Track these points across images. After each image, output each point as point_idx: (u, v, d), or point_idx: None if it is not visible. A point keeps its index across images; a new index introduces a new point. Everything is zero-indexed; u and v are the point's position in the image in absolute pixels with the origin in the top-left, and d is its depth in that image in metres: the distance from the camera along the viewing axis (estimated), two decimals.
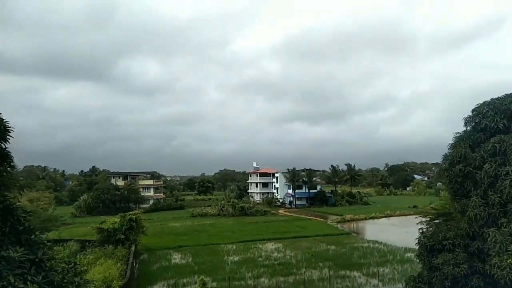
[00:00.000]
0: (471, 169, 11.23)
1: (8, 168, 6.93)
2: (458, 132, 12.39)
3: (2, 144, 6.90)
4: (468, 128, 12.15)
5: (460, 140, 12.08)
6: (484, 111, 11.60)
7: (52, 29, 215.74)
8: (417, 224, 13.72)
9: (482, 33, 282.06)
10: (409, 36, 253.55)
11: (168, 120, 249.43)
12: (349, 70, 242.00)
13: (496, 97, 11.74)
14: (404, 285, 13.64)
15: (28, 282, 5.45)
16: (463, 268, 10.77)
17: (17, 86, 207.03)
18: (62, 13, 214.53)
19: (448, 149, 12.38)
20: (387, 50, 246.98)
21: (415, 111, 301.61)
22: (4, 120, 6.88)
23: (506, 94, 11.64)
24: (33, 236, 6.37)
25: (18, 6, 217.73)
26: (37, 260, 5.97)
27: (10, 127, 6.95)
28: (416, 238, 13.03)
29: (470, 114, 12.07)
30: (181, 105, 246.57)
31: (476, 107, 11.93)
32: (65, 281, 6.20)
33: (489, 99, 11.88)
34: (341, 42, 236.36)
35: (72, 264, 7.05)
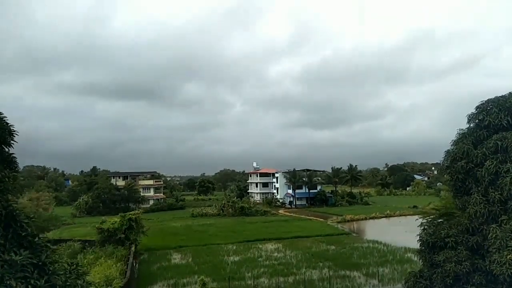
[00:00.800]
0: (472, 165, 11.22)
1: (13, 173, 6.94)
2: (461, 129, 12.34)
3: (7, 149, 6.92)
4: (472, 125, 12.09)
5: (463, 137, 12.05)
6: (488, 108, 11.56)
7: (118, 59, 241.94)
8: (417, 226, 13.68)
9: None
10: (413, 64, 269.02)
11: (190, 126, 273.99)
12: (357, 92, 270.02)
13: (501, 95, 11.74)
14: (404, 282, 13.65)
15: (30, 286, 5.47)
16: (465, 266, 10.76)
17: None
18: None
19: (451, 145, 12.37)
20: (389, 79, 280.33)
21: (416, 114, 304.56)
22: (9, 124, 6.89)
23: (510, 92, 11.64)
24: (36, 239, 6.37)
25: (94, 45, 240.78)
26: (40, 263, 5.96)
27: (14, 131, 6.94)
28: (418, 235, 13.04)
29: (474, 111, 12.06)
30: (206, 115, 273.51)
31: (480, 104, 11.86)
32: (67, 283, 6.20)
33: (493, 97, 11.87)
34: (350, 70, 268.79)
35: (74, 265, 7.05)
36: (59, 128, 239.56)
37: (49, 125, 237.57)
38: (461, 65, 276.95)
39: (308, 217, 68.59)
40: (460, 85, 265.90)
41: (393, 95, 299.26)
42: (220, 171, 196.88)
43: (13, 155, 7.04)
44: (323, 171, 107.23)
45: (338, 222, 61.14)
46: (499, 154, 10.69)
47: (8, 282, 5.28)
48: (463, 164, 11.35)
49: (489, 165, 10.60)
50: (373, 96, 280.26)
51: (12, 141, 6.95)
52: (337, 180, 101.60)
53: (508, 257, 9.29)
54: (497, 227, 10.13)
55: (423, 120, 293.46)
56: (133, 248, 34.23)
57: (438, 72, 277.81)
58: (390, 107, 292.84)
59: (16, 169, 7.13)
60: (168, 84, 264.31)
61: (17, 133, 6.94)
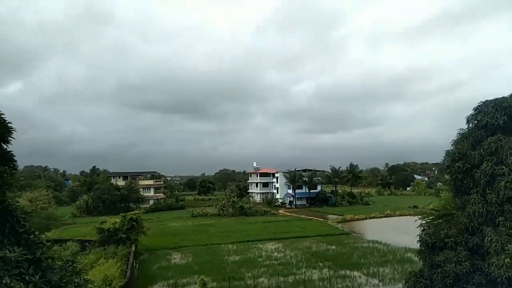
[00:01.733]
0: (470, 166, 11.36)
1: (11, 170, 6.93)
2: (462, 129, 12.46)
3: (4, 145, 6.91)
4: (471, 125, 12.20)
5: (462, 137, 12.19)
6: (486, 109, 11.65)
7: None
8: (416, 227, 13.67)
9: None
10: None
11: (211, 132, 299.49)
12: (364, 108, 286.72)
13: (501, 97, 11.79)
14: (404, 281, 13.63)
15: (25, 282, 5.43)
16: (465, 266, 10.79)
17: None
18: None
19: (451, 145, 12.50)
20: (391, 98, 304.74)
21: (416, 114, 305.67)
22: (7, 121, 6.88)
23: (511, 94, 11.70)
24: (31, 236, 6.35)
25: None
26: (35, 259, 5.94)
27: (12, 128, 6.94)
28: (418, 236, 13.04)
29: (473, 111, 12.11)
30: (228, 123, 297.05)
31: (478, 105, 11.97)
32: (64, 280, 6.17)
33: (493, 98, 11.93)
34: (358, 91, 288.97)
35: (70, 263, 7.02)
36: (89, 133, 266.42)
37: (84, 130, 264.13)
38: (448, 90, 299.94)
39: (308, 217, 68.58)
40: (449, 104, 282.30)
41: (395, 107, 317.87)
42: (220, 171, 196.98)
43: (11, 151, 7.03)
44: (323, 171, 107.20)
45: (338, 222, 61.11)
46: (494, 156, 10.81)
47: (2, 279, 5.25)
48: (460, 164, 11.49)
49: (485, 167, 10.76)
50: (376, 108, 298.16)
51: (10, 138, 6.95)
52: (337, 180, 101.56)
53: (505, 261, 9.36)
54: (492, 230, 10.24)
55: (422, 121, 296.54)
56: (133, 248, 34.22)
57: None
58: (392, 116, 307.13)
59: (14, 166, 7.12)
60: (207, 103, 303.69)
61: (15, 130, 6.94)
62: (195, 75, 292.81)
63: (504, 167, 10.40)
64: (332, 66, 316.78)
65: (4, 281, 5.22)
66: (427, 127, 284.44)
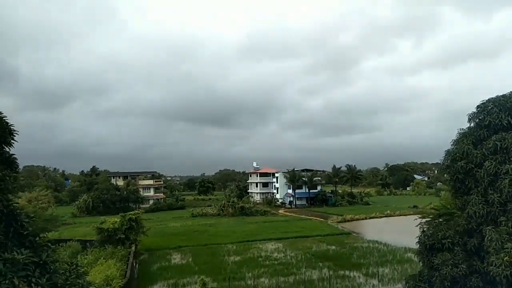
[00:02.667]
0: (472, 166, 11.14)
1: (13, 173, 6.95)
2: (462, 128, 12.29)
3: (7, 148, 6.94)
4: (472, 124, 12.03)
5: (463, 137, 11.99)
6: (489, 107, 11.49)
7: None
8: (416, 226, 13.66)
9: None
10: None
11: (224, 136, 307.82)
12: (368, 117, 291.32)
13: (502, 94, 11.71)
14: (404, 284, 13.65)
15: (32, 284, 5.49)
16: (461, 269, 10.71)
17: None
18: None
19: (451, 145, 12.31)
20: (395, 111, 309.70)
21: (416, 114, 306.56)
22: (9, 124, 6.91)
23: (511, 92, 11.61)
24: (37, 239, 6.40)
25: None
26: (41, 262, 6.00)
27: (15, 130, 6.96)
28: (417, 237, 13.05)
29: (475, 110, 12.00)
30: (242, 129, 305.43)
31: (481, 104, 11.79)
32: (68, 282, 6.23)
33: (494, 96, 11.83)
34: (364, 105, 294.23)
35: (74, 265, 7.08)
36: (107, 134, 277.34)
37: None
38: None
39: (308, 217, 68.61)
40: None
41: (398, 116, 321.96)
42: (220, 171, 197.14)
43: (14, 155, 7.06)
44: (323, 171, 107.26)
45: (338, 222, 61.15)
46: (498, 155, 10.62)
47: (10, 280, 5.31)
48: (462, 164, 11.28)
49: (488, 166, 10.54)
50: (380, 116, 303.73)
51: (12, 141, 6.97)
52: (337, 180, 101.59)
53: (504, 259, 9.31)
54: (492, 229, 10.11)
55: (423, 120, 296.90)
56: (133, 248, 34.27)
57: None
58: (393, 120, 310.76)
59: (17, 169, 7.15)
60: (232, 115, 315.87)
61: (17, 133, 6.96)
62: (230, 93, 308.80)
63: (508, 165, 10.23)
64: (345, 84, 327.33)
65: (13, 283, 5.28)
66: (427, 127, 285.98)
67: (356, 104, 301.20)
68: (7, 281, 5.30)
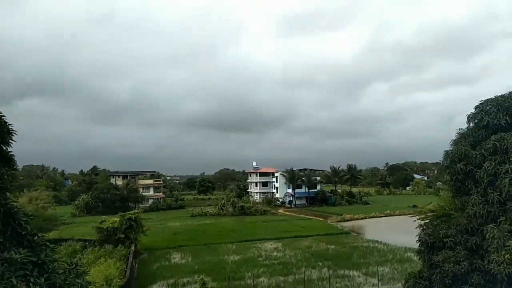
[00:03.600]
0: (472, 167, 11.17)
1: (11, 171, 6.92)
2: (461, 129, 12.29)
3: (5, 147, 6.90)
4: (471, 125, 12.03)
5: (462, 137, 12.01)
6: (487, 108, 11.50)
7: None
8: (415, 228, 13.66)
9: None
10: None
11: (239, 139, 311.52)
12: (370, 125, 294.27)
13: (501, 94, 11.71)
14: (403, 282, 13.64)
15: (30, 284, 5.46)
16: (463, 266, 10.75)
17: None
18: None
19: (450, 145, 12.31)
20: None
21: (416, 113, 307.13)
22: (8, 123, 6.87)
23: (510, 92, 11.59)
24: (35, 238, 6.37)
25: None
26: (39, 262, 5.97)
27: (13, 130, 6.93)
28: (417, 235, 13.04)
29: (473, 110, 11.99)
30: (252, 135, 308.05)
31: (479, 104, 11.80)
32: (67, 282, 6.21)
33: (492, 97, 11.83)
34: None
35: (74, 265, 7.05)
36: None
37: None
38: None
39: (307, 217, 68.63)
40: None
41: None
42: (220, 170, 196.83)
43: (11, 153, 7.03)
44: (323, 171, 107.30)
45: (338, 222, 61.18)
46: (497, 155, 10.65)
47: (8, 280, 5.28)
48: (462, 166, 11.32)
49: (487, 166, 10.57)
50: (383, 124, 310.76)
51: (11, 140, 6.94)
52: (336, 179, 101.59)
53: (506, 257, 9.32)
54: (495, 227, 10.12)
55: (422, 121, 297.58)
56: (132, 248, 34.24)
57: None
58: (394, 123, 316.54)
59: (15, 167, 7.12)
60: (252, 123, 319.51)
61: (15, 132, 6.92)
62: (256, 107, 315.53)
63: (508, 165, 10.24)
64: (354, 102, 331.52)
65: (11, 282, 5.25)
66: (428, 128, 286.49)
67: (362, 116, 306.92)
68: (5, 281, 5.28)
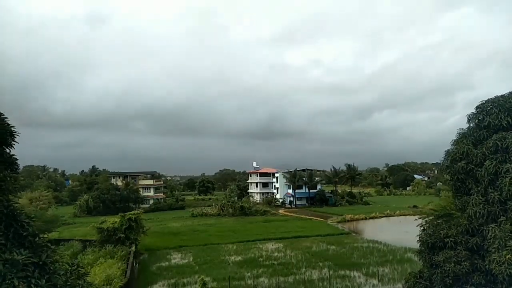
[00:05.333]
0: (472, 166, 11.17)
1: (13, 174, 6.96)
2: (461, 129, 12.30)
3: (7, 150, 6.94)
4: (471, 125, 12.04)
5: (463, 137, 12.02)
6: (488, 108, 11.49)
7: None
8: (416, 227, 13.67)
9: None
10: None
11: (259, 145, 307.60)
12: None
13: (501, 94, 11.72)
14: (404, 282, 13.66)
15: (32, 285, 5.49)
16: (464, 266, 10.76)
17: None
18: None
19: (451, 145, 12.33)
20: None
21: (416, 113, 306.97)
22: (10, 125, 6.90)
23: (510, 92, 11.61)
24: (37, 239, 6.40)
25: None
26: (40, 263, 5.99)
27: (15, 132, 6.95)
28: (417, 235, 13.05)
29: (474, 111, 12.01)
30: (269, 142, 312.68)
31: (480, 104, 11.80)
32: (68, 283, 6.23)
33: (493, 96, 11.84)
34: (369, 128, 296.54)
35: (75, 266, 7.07)
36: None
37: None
38: None
39: (308, 217, 68.62)
40: None
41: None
42: (220, 171, 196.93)
43: (14, 156, 7.06)
44: (323, 171, 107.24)
45: (338, 222, 61.16)
46: (498, 154, 10.65)
47: (10, 281, 5.31)
48: (463, 164, 11.31)
49: (488, 165, 10.56)
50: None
51: (13, 142, 6.97)
52: (337, 180, 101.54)
53: (507, 257, 9.30)
54: (496, 226, 10.12)
55: (423, 121, 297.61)
56: (133, 248, 34.27)
57: None
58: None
59: (17, 170, 7.16)
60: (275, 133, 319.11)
61: (18, 134, 6.96)
62: (283, 120, 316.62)
63: (509, 164, 10.25)
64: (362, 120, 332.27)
65: (12, 283, 5.28)
66: (427, 127, 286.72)
67: (367, 129, 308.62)
68: (6, 282, 5.31)
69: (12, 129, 6.92)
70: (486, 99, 11.88)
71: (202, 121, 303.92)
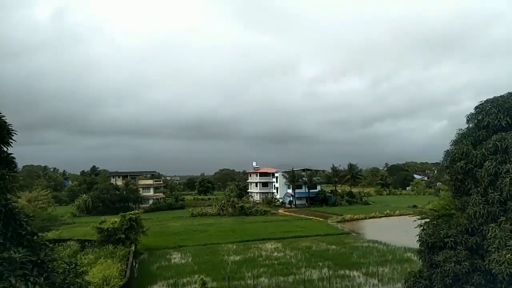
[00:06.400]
0: (472, 166, 11.18)
1: (11, 172, 6.93)
2: (461, 129, 12.31)
3: (5, 148, 6.92)
4: (471, 125, 12.06)
5: (462, 137, 12.02)
6: (487, 108, 11.52)
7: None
8: (415, 228, 13.65)
9: None
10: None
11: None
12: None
13: (500, 95, 11.72)
14: (404, 281, 13.64)
15: (29, 283, 5.47)
16: (464, 266, 10.76)
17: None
18: None
19: (450, 145, 12.32)
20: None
21: (415, 112, 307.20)
22: (7, 123, 6.88)
23: (509, 92, 11.61)
24: (35, 237, 6.38)
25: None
26: (39, 261, 5.98)
27: (13, 130, 6.93)
28: (417, 235, 13.03)
29: (473, 111, 12.00)
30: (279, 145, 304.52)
31: (479, 104, 11.83)
32: (66, 281, 6.21)
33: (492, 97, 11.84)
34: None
35: (73, 265, 7.05)
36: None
37: None
38: None
39: (308, 217, 68.61)
40: None
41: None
42: (220, 170, 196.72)
43: (12, 155, 7.04)
44: (323, 171, 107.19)
45: (338, 222, 61.16)
46: (498, 155, 10.66)
47: (7, 280, 5.29)
48: (462, 164, 11.31)
49: (488, 166, 10.57)
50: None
51: (11, 140, 6.94)
52: (336, 179, 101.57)
53: (507, 257, 9.30)
54: (496, 226, 10.12)
55: (422, 120, 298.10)
56: (133, 248, 34.25)
57: None
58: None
59: (15, 168, 7.13)
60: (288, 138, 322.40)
61: (15, 132, 6.93)
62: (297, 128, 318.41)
63: (509, 164, 10.25)
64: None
65: (10, 282, 5.26)
66: (427, 127, 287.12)
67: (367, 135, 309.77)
68: (4, 280, 5.28)
69: (10, 127, 6.90)
70: (485, 99, 11.91)
71: (224, 128, 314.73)
